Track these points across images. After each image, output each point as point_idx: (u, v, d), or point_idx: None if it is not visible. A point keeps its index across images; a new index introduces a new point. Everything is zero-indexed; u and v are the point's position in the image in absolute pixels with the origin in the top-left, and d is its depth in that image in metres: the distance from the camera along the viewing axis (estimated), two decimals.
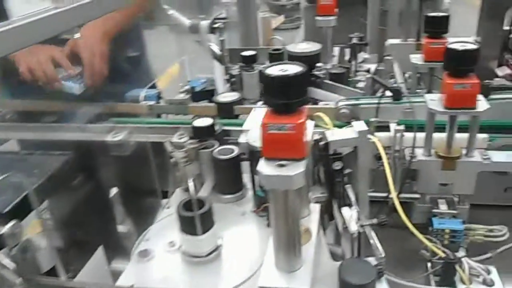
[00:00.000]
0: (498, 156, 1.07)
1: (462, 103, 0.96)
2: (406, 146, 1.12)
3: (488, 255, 1.12)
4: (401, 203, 1.15)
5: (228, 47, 1.82)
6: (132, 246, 0.95)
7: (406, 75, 1.70)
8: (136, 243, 0.95)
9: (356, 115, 1.24)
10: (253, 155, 0.92)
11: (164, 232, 0.96)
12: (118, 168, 1.30)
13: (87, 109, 1.38)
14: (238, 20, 2.04)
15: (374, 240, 0.83)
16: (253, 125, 0.98)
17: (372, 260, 0.86)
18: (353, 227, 0.75)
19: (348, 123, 1.23)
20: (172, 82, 1.96)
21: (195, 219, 0.82)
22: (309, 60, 1.43)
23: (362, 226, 0.77)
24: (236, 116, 1.38)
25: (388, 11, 1.98)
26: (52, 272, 0.97)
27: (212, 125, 1.06)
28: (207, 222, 0.86)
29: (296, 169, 0.66)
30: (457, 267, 0.94)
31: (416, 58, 1.34)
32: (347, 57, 1.77)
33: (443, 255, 0.94)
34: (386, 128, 1.16)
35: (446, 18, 1.29)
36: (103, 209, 1.13)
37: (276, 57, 1.60)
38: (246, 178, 1.07)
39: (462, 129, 1.04)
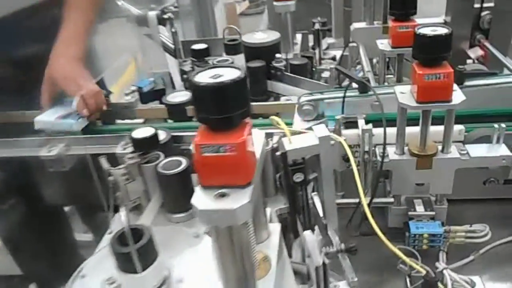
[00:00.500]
0: (477, 150, 0.97)
1: (436, 96, 0.85)
2: (377, 144, 1.01)
3: (471, 258, 1.03)
4: (376, 207, 1.06)
5: (183, 39, 1.68)
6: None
7: (374, 60, 1.59)
8: (70, 281, 0.81)
9: (320, 111, 1.12)
10: None
11: (103, 265, 0.82)
12: (58, 186, 1.15)
13: None
14: (192, 8, 1.88)
15: (345, 263, 0.71)
16: None
17: (343, 285, 0.75)
18: (317, 259, 0.62)
19: (315, 119, 1.12)
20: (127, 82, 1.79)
21: (132, 255, 0.69)
22: (267, 51, 1.30)
23: (327, 254, 0.65)
24: (190, 118, 1.24)
25: None
26: None
27: (155, 135, 0.92)
28: (148, 256, 0.73)
29: (241, 199, 0.53)
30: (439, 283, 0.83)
31: (383, 44, 1.22)
32: (312, 44, 1.65)
33: (423, 271, 0.83)
34: (355, 124, 1.05)
35: None
36: (45, 234, 0.99)
37: (232, 48, 1.47)
38: None
39: (436, 120, 0.94)
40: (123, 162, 0.92)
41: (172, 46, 1.62)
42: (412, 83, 0.90)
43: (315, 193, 0.95)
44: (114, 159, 0.97)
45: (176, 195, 0.91)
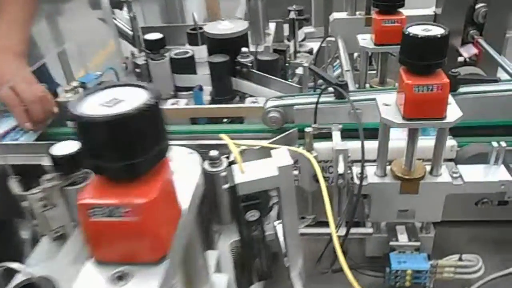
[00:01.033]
0: (472, 173, 0.81)
1: (427, 112, 0.69)
2: (354, 160, 0.85)
3: None
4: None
5: (143, 25, 1.48)
6: None
7: (355, 54, 1.42)
8: None
9: (289, 119, 0.95)
10: None
11: None
12: None
13: None
14: None
15: None
16: None
17: None
18: None
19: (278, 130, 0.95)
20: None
21: None
22: (232, 43, 1.12)
23: None
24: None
25: None
26: None
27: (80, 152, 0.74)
28: None
29: (147, 284, 0.36)
30: None
31: (365, 40, 1.05)
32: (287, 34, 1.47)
33: None
34: (329, 134, 0.88)
35: None
36: None
37: (194, 38, 1.28)
38: None
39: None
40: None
41: (131, 33, 1.42)
42: (398, 91, 0.73)
43: (278, 222, 0.79)
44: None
45: None
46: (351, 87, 1.06)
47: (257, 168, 0.60)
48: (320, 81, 1.14)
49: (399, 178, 0.80)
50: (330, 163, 0.94)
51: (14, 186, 0.72)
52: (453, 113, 0.71)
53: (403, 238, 0.89)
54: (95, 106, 0.36)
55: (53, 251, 0.78)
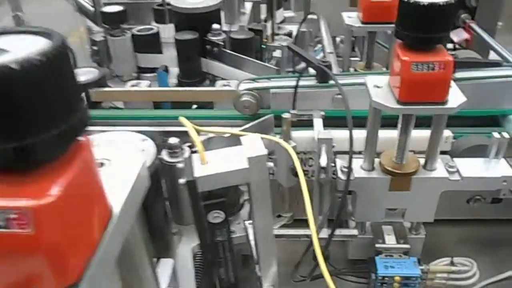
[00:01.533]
0: (470, 168, 0.72)
1: (426, 95, 0.58)
2: (338, 151, 0.74)
3: None
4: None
5: (106, 1, 1.34)
6: None
7: (338, 39, 1.32)
8: None
9: (264, 104, 0.84)
10: None
11: None
12: None
13: None
14: None
15: None
16: None
17: None
18: None
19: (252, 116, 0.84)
20: None
21: None
22: (201, 19, 1.00)
23: None
24: (95, 105, 0.92)
25: None
26: None
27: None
28: None
29: None
30: None
31: (351, 18, 0.94)
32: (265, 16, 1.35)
33: None
34: (310, 122, 0.77)
35: None
36: None
37: (161, 15, 1.15)
38: None
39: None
40: None
41: (92, 9, 1.28)
42: (391, 73, 0.62)
43: (250, 222, 0.68)
44: None
45: None
46: (335, 70, 0.95)
47: (222, 158, 0.49)
48: (301, 66, 1.03)
49: (389, 172, 0.70)
50: (311, 155, 0.84)
51: None
52: (455, 97, 0.60)
53: (390, 240, 0.79)
54: None
55: None
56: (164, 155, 0.64)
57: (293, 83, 0.81)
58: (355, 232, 0.75)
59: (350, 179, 0.68)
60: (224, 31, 1.05)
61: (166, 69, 1.03)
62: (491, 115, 0.87)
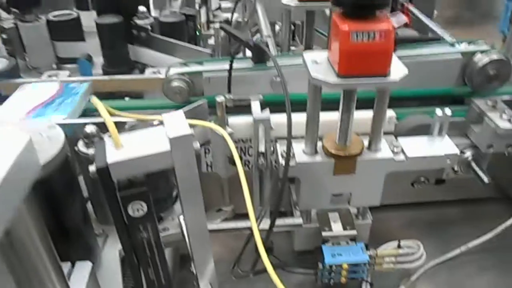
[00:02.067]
0: (415, 147, 0.69)
1: (368, 67, 0.54)
2: (279, 137, 0.69)
3: None
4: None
5: None
6: None
7: (277, 27, 1.27)
8: None
9: (197, 90, 0.77)
10: None
11: None
12: None
13: None
14: None
15: None
16: None
17: None
18: None
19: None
20: None
21: None
22: (126, 2, 0.91)
23: None
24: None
25: None
26: None
27: None
28: None
29: None
30: None
31: None
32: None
33: None
34: (247, 108, 0.71)
35: None
36: None
37: (83, 0, 1.05)
38: None
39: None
40: None
41: None
42: (330, 48, 0.58)
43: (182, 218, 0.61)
44: None
45: None
46: (273, 52, 0.90)
47: (141, 141, 0.42)
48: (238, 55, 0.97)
49: (332, 155, 0.66)
50: (250, 144, 0.78)
51: None
52: (397, 70, 0.57)
53: (337, 227, 0.75)
54: None
55: None
56: (80, 146, 0.56)
57: (227, 66, 0.75)
58: (300, 221, 0.70)
59: (290, 165, 0.62)
60: (154, 17, 0.97)
61: (89, 58, 0.93)
62: (433, 94, 0.85)
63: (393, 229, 0.89)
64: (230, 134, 0.64)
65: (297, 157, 0.66)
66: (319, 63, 0.59)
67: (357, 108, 0.64)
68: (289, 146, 0.61)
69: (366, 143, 0.68)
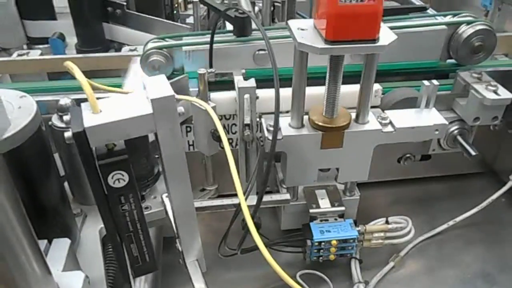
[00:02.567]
0: (403, 119, 0.67)
1: (356, 31, 0.52)
2: (263, 112, 0.67)
3: (390, 265, 0.76)
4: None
5: None
6: None
7: (257, 8, 1.24)
8: None
9: (177, 65, 0.74)
10: None
11: None
12: None
13: None
14: None
15: None
16: None
17: None
18: None
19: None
20: None
21: None
22: None
23: None
24: None
25: None
26: None
27: None
28: None
29: None
30: None
31: None
32: None
33: None
34: (230, 84, 0.69)
35: None
36: None
37: None
38: None
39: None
40: None
41: None
42: (316, 13, 0.56)
43: (167, 194, 0.58)
44: None
45: None
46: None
47: (120, 105, 0.38)
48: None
49: (319, 128, 0.63)
50: (233, 120, 0.76)
51: None
52: (385, 35, 0.55)
53: (324, 204, 0.73)
54: None
55: None
56: (55, 120, 0.53)
57: (208, 40, 0.72)
58: (287, 196, 0.68)
59: (277, 138, 0.60)
60: None
61: (62, 37, 0.89)
62: (418, 67, 0.83)
63: (380, 206, 0.88)
64: (213, 108, 0.62)
65: (283, 131, 0.63)
66: (305, 30, 0.56)
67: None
68: (277, 117, 0.58)
69: (353, 116, 0.66)
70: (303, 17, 1.15)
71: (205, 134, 0.68)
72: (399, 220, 0.74)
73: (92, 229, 0.55)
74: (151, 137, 0.55)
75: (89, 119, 0.36)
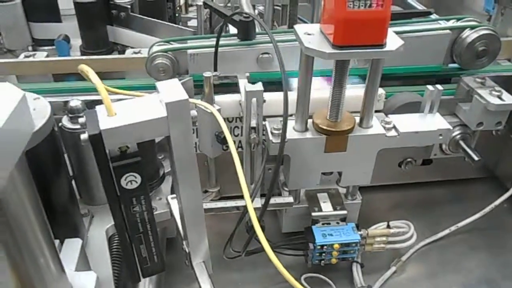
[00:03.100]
0: (406, 123, 0.68)
1: (364, 36, 0.52)
2: (268, 115, 0.67)
3: (392, 270, 0.76)
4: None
5: None
6: None
7: (256, 11, 1.25)
8: None
9: (182, 69, 0.74)
10: None
11: None
12: None
13: None
14: None
15: None
16: None
17: None
18: None
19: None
20: None
21: None
22: None
23: None
24: None
25: None
26: None
27: None
28: None
29: None
30: None
31: None
32: None
33: None
34: (235, 87, 0.69)
35: None
36: None
37: None
38: None
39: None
40: None
41: None
42: (323, 18, 0.56)
43: (172, 196, 0.59)
44: None
45: None
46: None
47: (135, 108, 0.39)
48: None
49: (323, 131, 0.64)
50: (237, 123, 0.76)
51: None
52: (392, 40, 0.55)
53: (326, 207, 0.73)
54: None
55: None
56: (65, 121, 0.53)
57: (212, 43, 0.73)
58: (290, 199, 0.68)
59: (284, 141, 0.60)
60: None
61: (66, 39, 0.89)
62: (422, 71, 0.84)
63: (382, 211, 0.89)
64: (218, 110, 0.62)
65: (287, 135, 0.64)
66: (311, 35, 0.57)
67: None
68: (285, 120, 0.58)
69: (357, 120, 0.66)
70: (304, 22, 1.16)
71: (209, 137, 0.68)
72: (401, 224, 0.75)
73: (99, 229, 0.55)
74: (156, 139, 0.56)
75: (105, 122, 0.37)
